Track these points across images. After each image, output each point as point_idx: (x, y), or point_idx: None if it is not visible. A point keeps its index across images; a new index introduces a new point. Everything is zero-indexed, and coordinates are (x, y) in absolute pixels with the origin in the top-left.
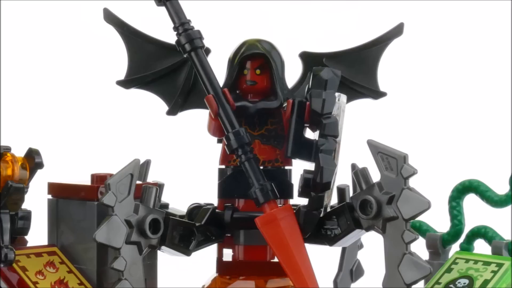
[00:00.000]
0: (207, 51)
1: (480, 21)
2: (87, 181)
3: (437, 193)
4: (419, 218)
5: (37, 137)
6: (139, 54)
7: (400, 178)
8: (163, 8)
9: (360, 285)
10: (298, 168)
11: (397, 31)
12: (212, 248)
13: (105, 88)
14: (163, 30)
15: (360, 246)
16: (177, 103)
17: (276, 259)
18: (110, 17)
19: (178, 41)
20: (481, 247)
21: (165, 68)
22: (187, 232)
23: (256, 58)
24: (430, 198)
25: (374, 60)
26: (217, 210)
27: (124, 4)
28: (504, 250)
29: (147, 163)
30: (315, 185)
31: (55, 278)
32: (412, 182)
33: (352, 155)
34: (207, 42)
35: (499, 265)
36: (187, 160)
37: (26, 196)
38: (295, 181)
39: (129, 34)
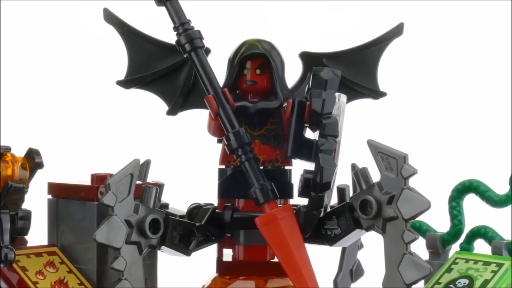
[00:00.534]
0: (207, 51)
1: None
2: (87, 181)
3: (437, 193)
4: (419, 218)
5: (37, 137)
6: (139, 54)
7: (400, 178)
8: (163, 8)
9: (360, 285)
10: (298, 168)
11: (397, 31)
12: (212, 248)
13: (105, 88)
14: (163, 29)
15: (360, 246)
16: (177, 103)
17: (276, 259)
18: (110, 17)
19: (178, 41)
20: (481, 247)
21: (165, 68)
22: (187, 232)
23: (256, 58)
24: (430, 198)
25: (374, 60)
26: (217, 210)
27: (124, 4)
28: (504, 250)
29: (147, 163)
30: (315, 185)
31: (55, 278)
32: (412, 182)
33: (352, 155)
34: (207, 42)
35: (499, 265)
36: (187, 160)
37: (26, 196)
38: (295, 181)
39: (129, 34)
